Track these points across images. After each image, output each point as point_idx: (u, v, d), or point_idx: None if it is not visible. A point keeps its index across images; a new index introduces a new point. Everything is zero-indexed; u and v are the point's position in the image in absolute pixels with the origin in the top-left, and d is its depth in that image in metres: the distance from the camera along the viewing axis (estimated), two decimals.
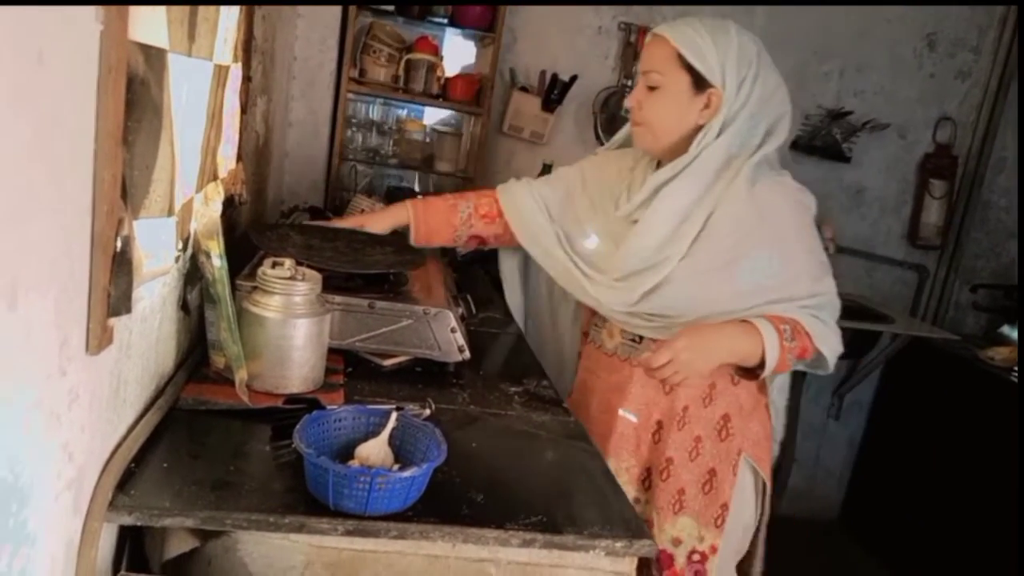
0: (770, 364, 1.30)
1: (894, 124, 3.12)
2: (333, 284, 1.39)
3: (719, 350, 1.31)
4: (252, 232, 1.49)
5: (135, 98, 0.81)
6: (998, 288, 3.15)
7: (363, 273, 1.47)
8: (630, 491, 1.46)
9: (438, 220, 1.66)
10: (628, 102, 1.42)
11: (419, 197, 1.93)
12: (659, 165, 1.46)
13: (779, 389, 1.57)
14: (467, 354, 1.44)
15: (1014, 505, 2.53)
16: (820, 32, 3.02)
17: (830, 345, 1.36)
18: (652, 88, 1.36)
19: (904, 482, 3.07)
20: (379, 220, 1.67)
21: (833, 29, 3.00)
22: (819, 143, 3.12)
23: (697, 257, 1.36)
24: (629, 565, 1.01)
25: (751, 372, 1.37)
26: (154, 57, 0.85)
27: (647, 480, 1.49)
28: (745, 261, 1.34)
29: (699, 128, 1.36)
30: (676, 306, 1.39)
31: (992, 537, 2.60)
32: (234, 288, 1.25)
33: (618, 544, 0.97)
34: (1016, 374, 2.69)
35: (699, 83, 1.33)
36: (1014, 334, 2.94)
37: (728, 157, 1.36)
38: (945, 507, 2.83)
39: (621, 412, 1.49)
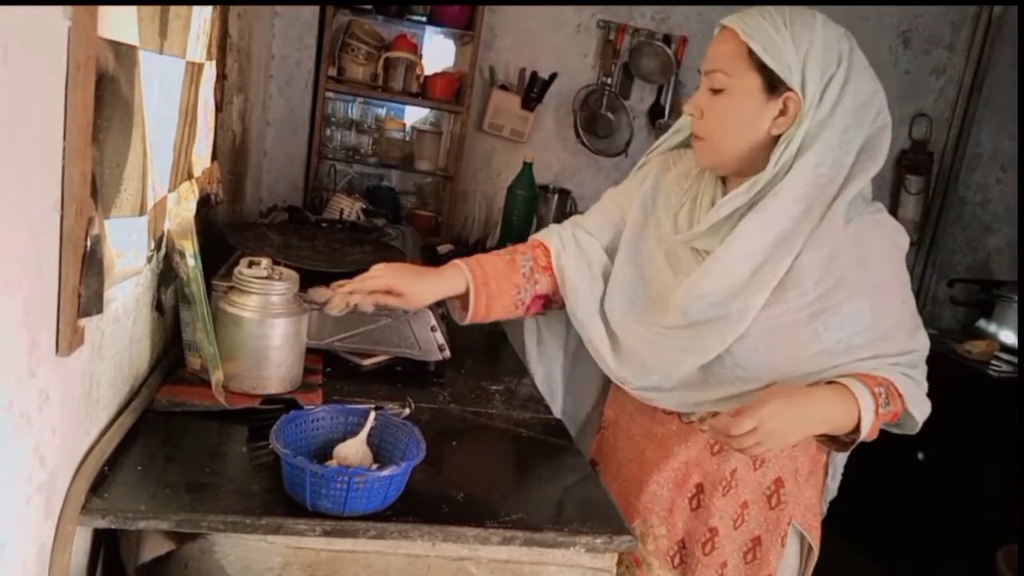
0: (864, 433, 1.10)
1: None
2: (313, 283, 1.38)
3: (811, 419, 1.07)
4: (228, 231, 1.48)
5: (105, 95, 0.80)
6: (975, 283, 3.19)
7: (342, 272, 1.46)
8: (654, 566, 1.26)
9: (499, 282, 1.30)
10: (687, 108, 1.17)
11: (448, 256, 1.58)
12: (725, 179, 1.23)
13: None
14: (447, 353, 1.43)
15: (997, 497, 2.56)
16: None
17: (921, 408, 1.17)
18: (716, 92, 1.13)
19: (887, 476, 3.10)
20: (422, 289, 1.26)
21: None
22: None
23: (778, 308, 1.13)
24: (609, 561, 1.01)
25: (835, 439, 1.16)
26: (124, 54, 0.84)
27: (679, 555, 1.25)
28: (834, 314, 1.12)
29: (773, 140, 1.12)
30: (751, 367, 1.14)
31: (977, 529, 2.64)
32: (210, 288, 1.24)
33: (598, 540, 0.97)
34: (994, 368, 2.73)
35: (773, 85, 1.09)
36: (991, 328, 2.98)
37: (818, 180, 1.11)
38: (927, 500, 2.86)
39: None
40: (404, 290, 1.22)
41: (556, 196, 2.99)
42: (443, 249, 2.50)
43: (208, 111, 1.35)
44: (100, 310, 0.82)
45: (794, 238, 1.12)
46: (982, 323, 3.03)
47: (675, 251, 1.24)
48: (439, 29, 2.78)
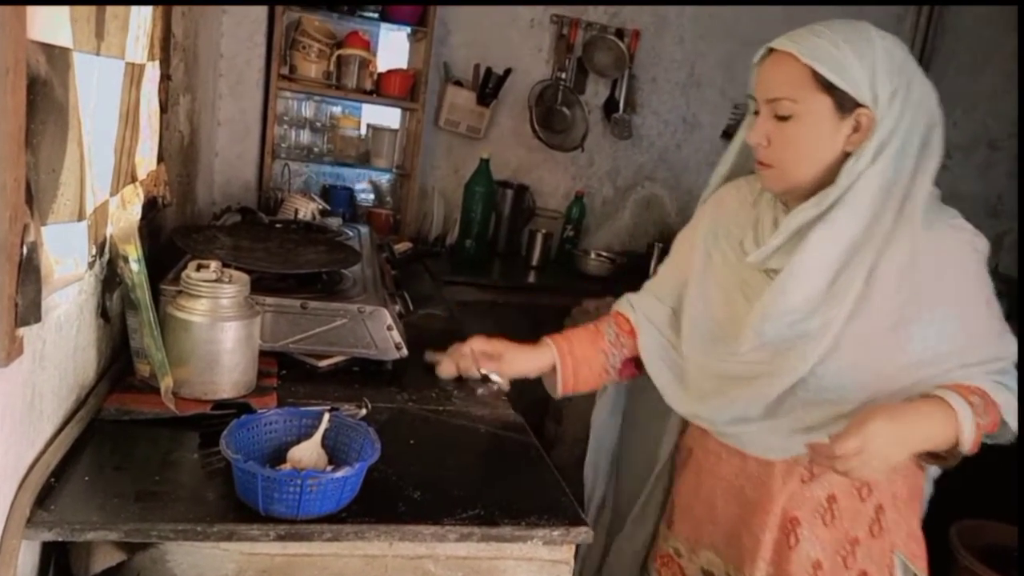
0: (966, 447, 1.04)
1: None
2: (264, 285, 1.37)
3: (915, 436, 1.02)
4: (177, 235, 1.45)
5: (38, 99, 0.78)
6: None
7: (295, 273, 1.44)
8: None
9: (583, 348, 1.34)
10: (752, 138, 1.14)
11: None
12: (788, 199, 1.19)
13: (934, 470, 1.27)
14: (405, 351, 1.43)
15: (951, 476, 2.63)
16: (748, 22, 3.09)
17: (1014, 415, 1.09)
18: (782, 118, 1.09)
19: None
20: (515, 355, 1.31)
21: (762, 19, 3.08)
22: None
23: (859, 320, 1.09)
24: (567, 553, 1.02)
25: (935, 455, 1.09)
26: (57, 57, 0.82)
27: None
28: (917, 324, 1.08)
29: (844, 157, 1.09)
30: (838, 387, 1.10)
31: (931, 507, 2.70)
32: (158, 293, 1.22)
33: (555, 533, 0.98)
34: None
35: (844, 104, 1.06)
36: None
37: (886, 186, 1.08)
38: None
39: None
40: (503, 352, 1.30)
41: (514, 192, 3.00)
42: (401, 247, 2.49)
43: (152, 112, 1.32)
44: (39, 319, 0.80)
45: (866, 245, 1.09)
46: None
47: (745, 279, 1.20)
48: (392, 25, 2.76)
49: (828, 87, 1.06)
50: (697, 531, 1.30)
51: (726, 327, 1.20)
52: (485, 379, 1.33)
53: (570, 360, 1.32)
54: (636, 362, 1.37)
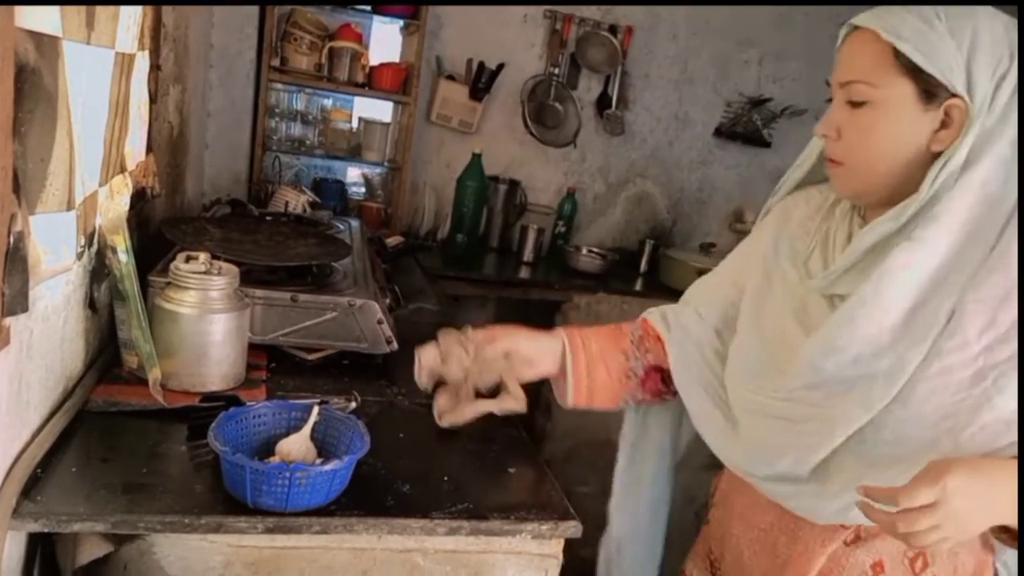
0: None
1: (812, 109, 3.22)
2: (254, 278, 1.36)
3: (1001, 501, 0.80)
4: (166, 226, 1.44)
5: (26, 88, 0.77)
6: None
7: (285, 265, 1.44)
8: None
9: (601, 344, 1.16)
10: (820, 129, 0.95)
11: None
12: (864, 212, 1.00)
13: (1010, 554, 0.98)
14: (395, 345, 1.42)
15: None
16: (741, 21, 3.10)
17: None
18: (856, 105, 0.91)
19: None
20: (516, 340, 1.13)
21: (753, 19, 3.09)
22: (740, 130, 3.21)
23: (934, 364, 0.87)
24: (556, 547, 1.02)
25: (1010, 531, 0.86)
26: (46, 45, 0.81)
27: None
28: (1009, 374, 0.85)
29: (932, 158, 0.89)
30: (905, 442, 0.88)
31: None
32: (146, 285, 1.21)
33: (544, 527, 0.98)
34: None
35: (931, 92, 0.87)
36: None
37: (986, 200, 0.87)
38: None
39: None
40: (509, 348, 1.12)
41: (506, 187, 3.00)
42: (393, 241, 2.48)
43: (142, 103, 1.31)
44: (26, 309, 0.80)
45: (956, 273, 0.87)
46: None
47: (806, 306, 1.00)
48: (384, 18, 2.75)
49: (912, 69, 0.87)
50: None
51: (776, 358, 0.99)
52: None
53: (583, 356, 1.13)
54: (663, 376, 1.16)
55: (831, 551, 0.98)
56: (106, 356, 1.21)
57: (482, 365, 1.13)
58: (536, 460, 1.17)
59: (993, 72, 0.86)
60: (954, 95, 0.86)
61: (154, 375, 1.09)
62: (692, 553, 1.24)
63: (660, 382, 1.17)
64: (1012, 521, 0.81)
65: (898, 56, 0.87)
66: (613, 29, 3.00)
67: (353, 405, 1.21)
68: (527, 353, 1.14)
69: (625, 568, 1.27)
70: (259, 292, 1.33)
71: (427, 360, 1.14)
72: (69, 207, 0.91)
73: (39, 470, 0.90)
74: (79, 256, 1.00)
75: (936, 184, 0.87)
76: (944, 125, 0.88)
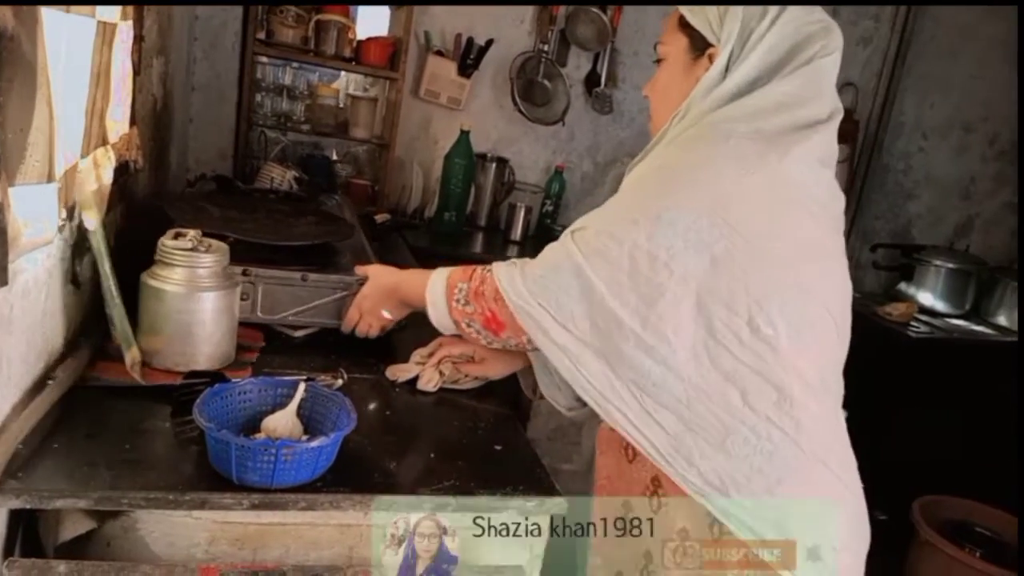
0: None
1: None
2: (260, 257, 1.34)
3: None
4: (164, 202, 1.42)
5: (3, 54, 0.75)
6: (896, 247, 3.32)
7: (291, 245, 1.42)
8: None
9: None
10: (644, 90, 1.18)
11: None
12: None
13: None
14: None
15: (916, 451, 2.69)
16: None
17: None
18: (658, 63, 1.13)
19: None
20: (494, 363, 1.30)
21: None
22: None
23: None
24: (542, 523, 1.02)
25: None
26: (25, 12, 0.79)
27: None
28: None
29: None
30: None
31: (896, 482, 2.77)
32: (133, 261, 1.19)
33: (530, 503, 0.98)
34: (913, 328, 2.86)
35: (697, 45, 1.07)
36: (911, 291, 3.12)
37: None
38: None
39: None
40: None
41: (494, 165, 2.98)
42: (380, 218, 2.46)
43: (125, 74, 1.28)
44: (5, 282, 0.78)
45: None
46: (902, 286, 3.16)
47: None
48: None
49: (686, 26, 1.08)
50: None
51: None
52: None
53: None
54: None
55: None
56: (94, 333, 1.20)
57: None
58: (522, 438, 1.17)
59: (741, 23, 1.02)
60: (712, 45, 1.05)
61: (132, 354, 1.07)
62: None
63: None
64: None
65: (681, 17, 1.09)
66: (603, 6, 2.97)
67: (340, 382, 1.21)
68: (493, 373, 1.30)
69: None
70: (268, 271, 1.31)
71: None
72: (50, 179, 0.89)
73: (21, 446, 0.89)
74: (60, 230, 0.98)
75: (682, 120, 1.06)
76: (707, 71, 1.05)
